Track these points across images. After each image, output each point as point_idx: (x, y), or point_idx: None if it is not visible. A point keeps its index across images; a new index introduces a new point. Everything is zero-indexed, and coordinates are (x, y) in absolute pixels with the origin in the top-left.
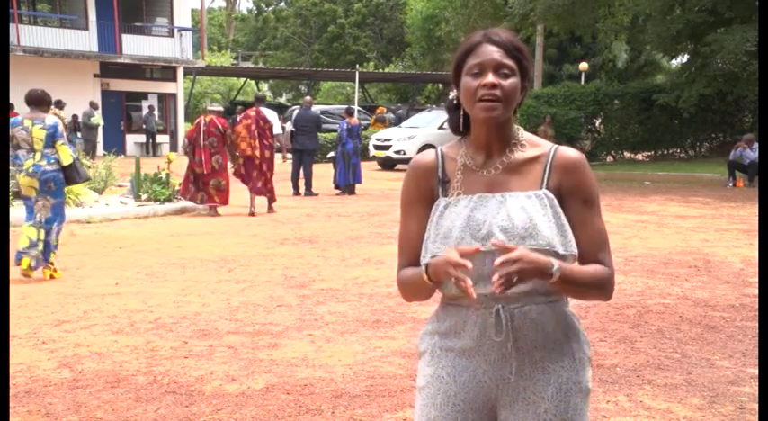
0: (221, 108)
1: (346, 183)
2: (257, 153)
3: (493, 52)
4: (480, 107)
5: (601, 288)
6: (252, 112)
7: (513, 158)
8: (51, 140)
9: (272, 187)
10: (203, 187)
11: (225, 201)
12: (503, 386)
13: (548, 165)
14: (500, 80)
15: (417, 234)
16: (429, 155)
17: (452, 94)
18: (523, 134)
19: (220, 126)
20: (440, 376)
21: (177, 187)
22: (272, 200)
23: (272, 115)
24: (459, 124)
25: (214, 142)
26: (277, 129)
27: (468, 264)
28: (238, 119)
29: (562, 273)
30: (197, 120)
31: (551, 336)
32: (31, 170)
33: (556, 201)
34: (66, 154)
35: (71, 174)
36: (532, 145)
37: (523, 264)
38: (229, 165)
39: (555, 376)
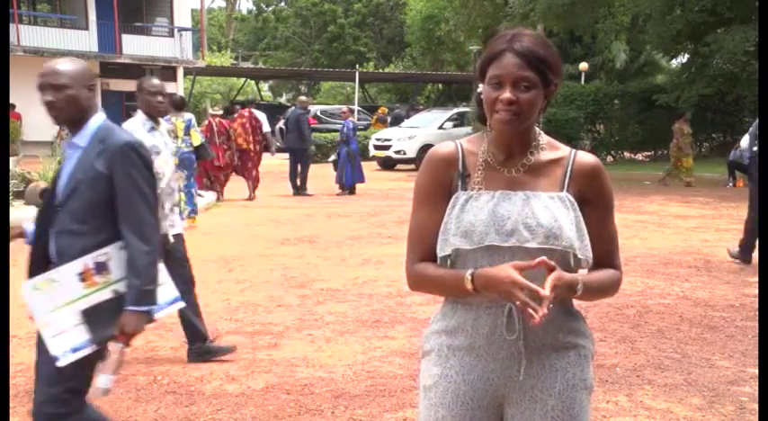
0: (222, 111)
1: (353, 182)
2: (251, 147)
3: (513, 65)
4: (497, 119)
5: (612, 291)
6: (246, 112)
7: (534, 160)
8: (187, 129)
9: (258, 177)
10: (216, 179)
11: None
12: (511, 384)
13: (568, 170)
14: (518, 94)
15: (432, 226)
16: (449, 146)
17: (480, 88)
18: (543, 137)
19: (227, 126)
20: (448, 375)
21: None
22: (254, 188)
23: (261, 115)
24: (487, 118)
25: (225, 140)
26: (266, 128)
27: (542, 291)
28: (234, 117)
29: (585, 288)
30: (207, 123)
31: (559, 334)
32: (174, 151)
33: (576, 206)
34: (196, 137)
35: (202, 153)
36: (552, 147)
37: (558, 291)
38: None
39: (562, 372)
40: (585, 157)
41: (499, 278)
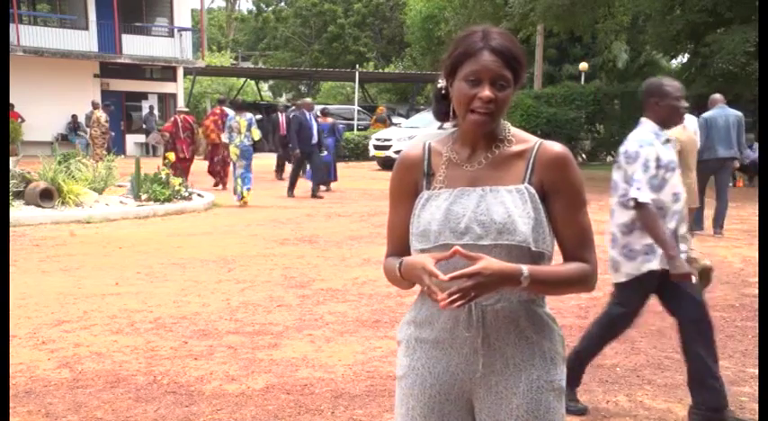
0: (188, 108)
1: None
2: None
3: (492, 63)
4: (473, 119)
5: (578, 285)
6: (217, 110)
7: (497, 154)
8: (249, 126)
9: (228, 171)
10: (183, 169)
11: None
12: (476, 379)
13: (531, 161)
14: (496, 92)
15: (401, 225)
16: (416, 148)
17: (441, 84)
18: (510, 129)
19: (192, 123)
20: (415, 367)
21: (177, 187)
22: (224, 180)
23: (231, 113)
24: (449, 114)
25: (189, 134)
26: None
27: (441, 276)
28: (207, 115)
29: (532, 279)
30: (173, 119)
31: (523, 335)
32: (237, 143)
33: (537, 197)
34: (256, 134)
35: (260, 147)
36: (519, 140)
37: (482, 278)
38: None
39: (526, 374)
40: (550, 147)
41: (414, 265)
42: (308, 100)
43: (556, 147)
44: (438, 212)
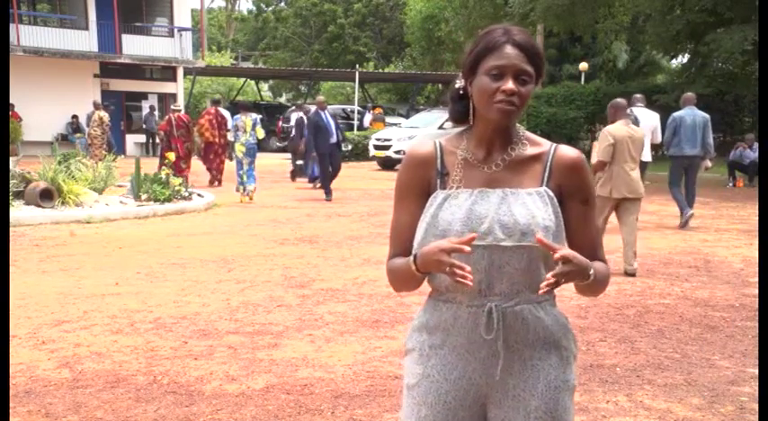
0: (182, 108)
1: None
2: (217, 140)
3: (515, 57)
4: (497, 110)
5: (606, 284)
6: (212, 110)
7: (513, 156)
8: (254, 126)
9: (222, 168)
10: (176, 167)
11: (187, 172)
12: (493, 384)
13: (548, 164)
14: (519, 87)
15: (409, 225)
16: (427, 146)
17: (459, 84)
18: (524, 132)
19: (186, 121)
20: (430, 375)
21: (177, 187)
22: (218, 178)
23: (226, 113)
24: (467, 114)
25: (183, 133)
26: (230, 124)
27: (467, 249)
28: (202, 114)
29: (594, 276)
30: (167, 118)
31: (541, 335)
32: (243, 141)
33: (556, 201)
34: (261, 132)
35: (263, 145)
36: (533, 143)
37: (573, 266)
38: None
39: (544, 374)
40: (566, 151)
41: (429, 250)
42: (321, 98)
43: (572, 152)
44: (459, 212)
